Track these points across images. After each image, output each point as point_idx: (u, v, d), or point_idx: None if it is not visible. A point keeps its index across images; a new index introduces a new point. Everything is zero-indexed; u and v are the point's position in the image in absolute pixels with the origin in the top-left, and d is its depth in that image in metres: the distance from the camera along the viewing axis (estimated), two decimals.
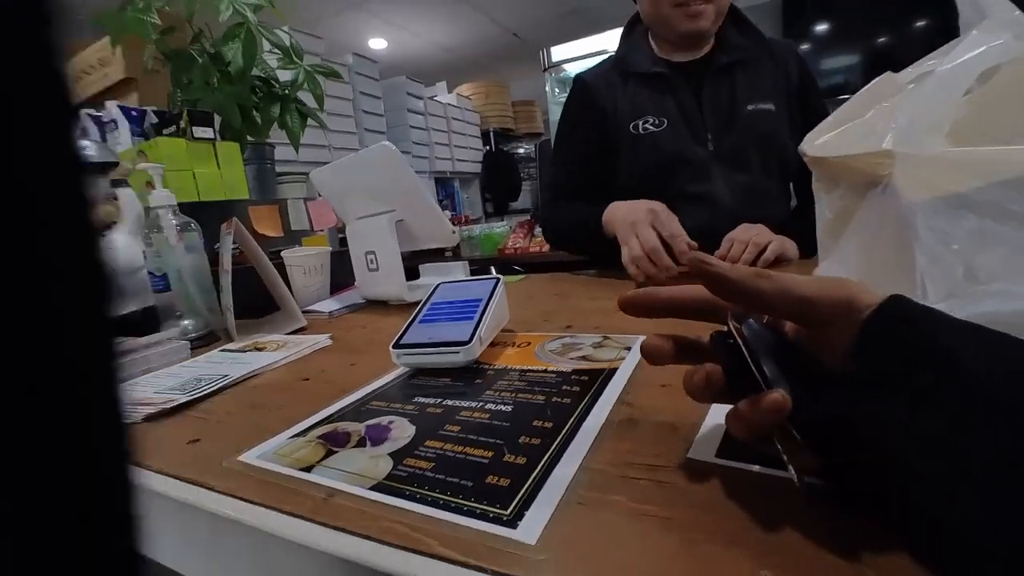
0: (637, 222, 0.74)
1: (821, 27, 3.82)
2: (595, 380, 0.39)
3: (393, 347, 0.47)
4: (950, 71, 0.38)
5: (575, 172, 0.96)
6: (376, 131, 2.65)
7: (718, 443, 0.27)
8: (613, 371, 0.40)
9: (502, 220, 3.08)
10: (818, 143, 0.42)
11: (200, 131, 1.01)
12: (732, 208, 0.85)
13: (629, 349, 0.44)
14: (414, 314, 0.53)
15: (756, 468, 0.24)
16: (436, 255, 2.07)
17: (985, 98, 0.38)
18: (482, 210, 3.62)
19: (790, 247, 0.77)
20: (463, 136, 3.40)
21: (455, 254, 2.53)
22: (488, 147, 3.66)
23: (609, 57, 1.00)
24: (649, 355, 0.27)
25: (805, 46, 3.86)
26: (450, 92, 3.49)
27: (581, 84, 0.98)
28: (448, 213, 3.06)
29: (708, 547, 0.20)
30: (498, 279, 0.54)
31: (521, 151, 3.96)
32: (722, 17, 0.89)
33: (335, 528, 0.24)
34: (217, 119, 1.11)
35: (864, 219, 0.38)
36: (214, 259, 0.75)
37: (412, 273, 0.92)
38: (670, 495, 0.23)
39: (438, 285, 0.57)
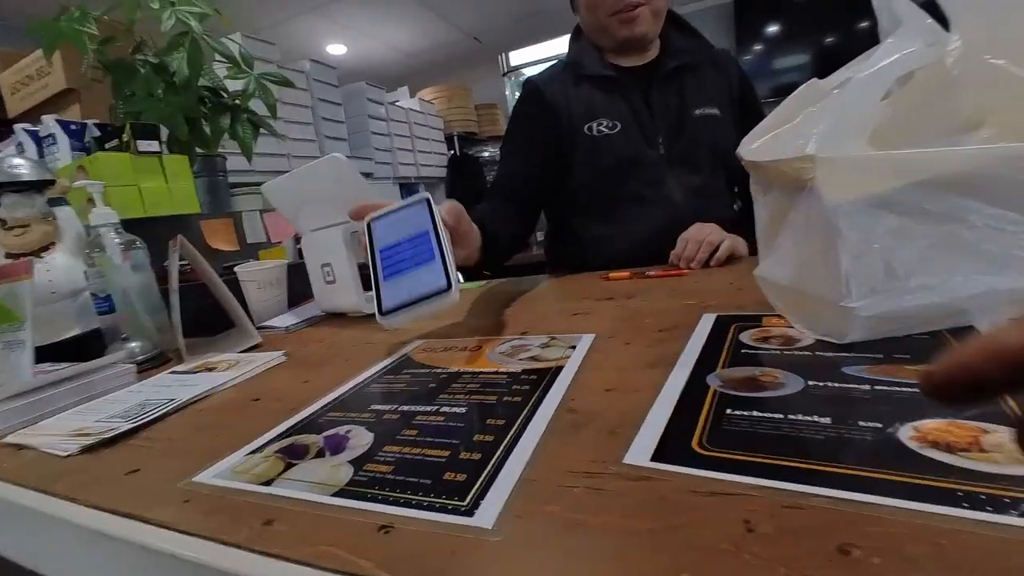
0: None
1: (772, 28, 3.96)
2: (543, 378, 0.40)
3: (381, 317, 0.46)
4: (868, 77, 0.40)
5: (533, 177, 0.96)
6: (336, 138, 2.61)
7: (654, 447, 0.27)
8: (559, 369, 0.42)
9: None
10: (752, 148, 0.43)
11: (145, 144, 0.97)
12: (684, 209, 0.88)
13: (574, 348, 0.45)
14: (372, 271, 0.50)
15: (686, 471, 0.25)
16: None
17: (902, 102, 0.40)
18: None
19: (740, 245, 0.80)
20: (426, 141, 3.39)
21: None
22: (452, 151, 3.65)
23: (559, 61, 1.01)
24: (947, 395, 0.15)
25: (757, 47, 4.00)
26: (412, 97, 3.47)
27: (533, 87, 0.98)
28: None
29: (635, 553, 0.20)
30: (426, 197, 0.54)
31: (486, 154, 3.97)
32: (660, 18, 0.91)
33: (274, 557, 0.24)
34: (164, 131, 1.07)
35: (795, 220, 0.39)
36: (164, 277, 0.72)
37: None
38: (603, 502, 0.24)
39: (369, 225, 0.54)
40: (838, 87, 0.41)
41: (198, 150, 1.14)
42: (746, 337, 0.42)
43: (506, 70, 3.46)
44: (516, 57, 3.55)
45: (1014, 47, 0.38)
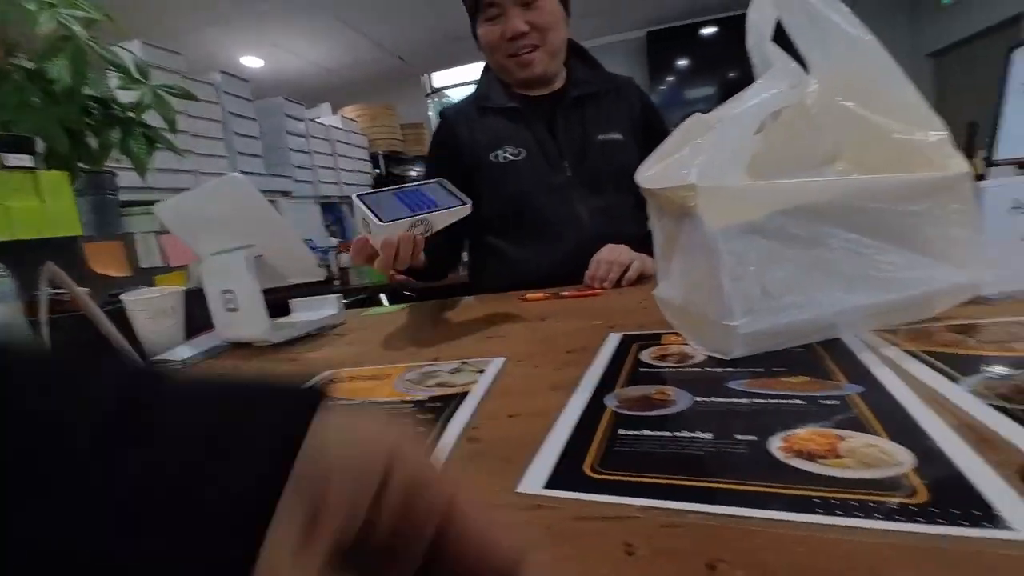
0: None
1: (681, 62, 4.28)
2: (447, 405, 0.39)
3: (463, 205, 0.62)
4: (742, 113, 0.43)
5: None
6: (251, 154, 2.48)
7: (548, 474, 0.27)
8: (465, 395, 0.41)
9: None
10: (646, 176, 0.46)
11: (14, 158, 0.87)
12: (593, 229, 0.91)
13: (483, 372, 0.45)
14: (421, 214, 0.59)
15: (577, 496, 0.25)
16: (321, 284, 1.97)
17: (772, 136, 0.45)
18: None
19: (649, 264, 0.84)
20: (350, 159, 3.30)
21: (343, 281, 2.42)
22: (377, 170, 3.59)
23: (471, 93, 1.05)
24: None
25: (669, 78, 4.30)
26: (334, 114, 3.38)
27: (443, 118, 1.03)
28: (335, 240, 2.93)
29: None
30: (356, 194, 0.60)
31: (413, 173, 3.94)
32: (558, 56, 0.97)
33: None
34: (41, 145, 0.97)
35: (683, 245, 0.42)
36: (36, 307, 0.64)
37: (282, 307, 0.86)
38: None
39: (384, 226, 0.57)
40: (718, 121, 0.45)
41: (82, 166, 1.04)
42: (646, 356, 0.44)
43: (429, 91, 3.48)
44: (439, 78, 3.57)
45: (861, 90, 0.43)
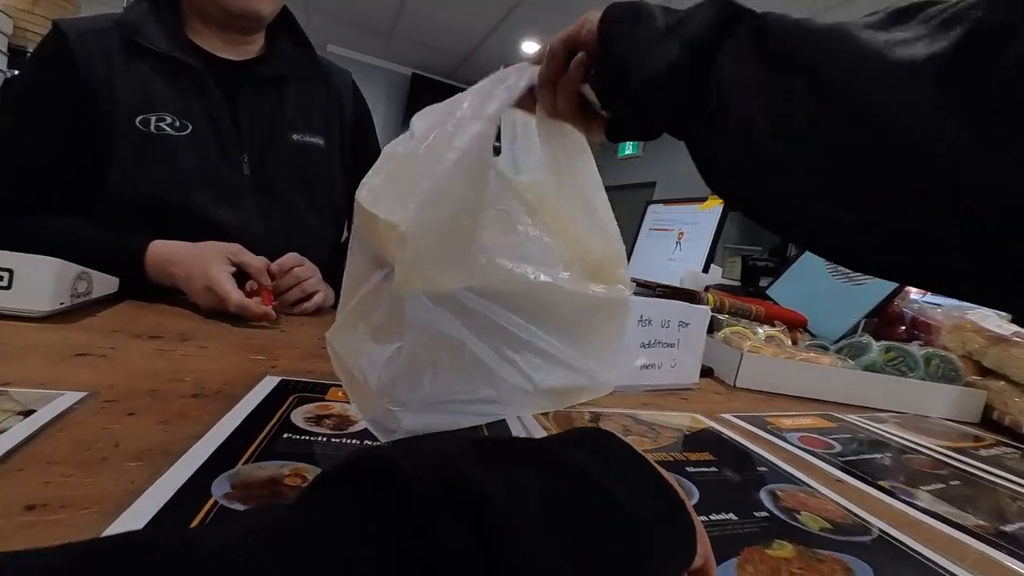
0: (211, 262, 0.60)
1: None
2: None
3: None
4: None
5: (43, 168, 0.66)
6: None
7: None
8: None
9: None
10: (366, 184, 0.38)
11: None
12: (269, 245, 0.70)
13: (29, 415, 0.29)
14: None
15: None
16: None
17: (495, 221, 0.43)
18: None
19: (332, 298, 0.74)
20: None
21: None
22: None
23: (110, 15, 0.70)
24: None
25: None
26: None
27: (59, 43, 0.66)
28: None
29: None
30: None
31: None
32: (278, 10, 0.76)
33: None
34: None
35: (371, 290, 0.35)
36: None
37: None
38: None
39: None
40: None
41: None
42: (299, 415, 0.35)
43: None
44: None
45: (580, 200, 0.46)
